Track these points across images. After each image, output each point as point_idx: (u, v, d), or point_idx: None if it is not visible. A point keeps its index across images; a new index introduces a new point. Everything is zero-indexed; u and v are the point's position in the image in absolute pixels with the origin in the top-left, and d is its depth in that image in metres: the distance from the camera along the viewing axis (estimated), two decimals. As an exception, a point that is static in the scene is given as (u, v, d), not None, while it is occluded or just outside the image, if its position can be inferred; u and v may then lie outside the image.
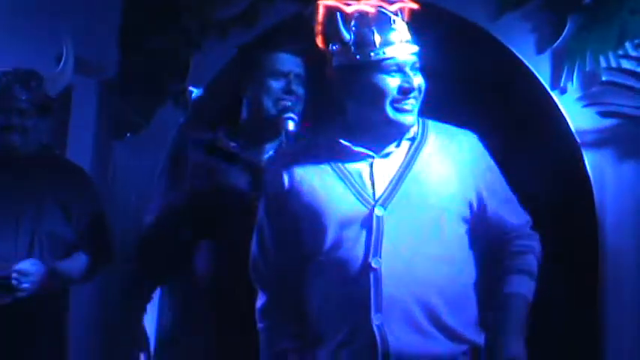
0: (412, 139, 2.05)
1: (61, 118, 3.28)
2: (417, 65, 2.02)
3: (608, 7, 3.00)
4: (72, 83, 3.79)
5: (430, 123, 2.10)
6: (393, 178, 2.01)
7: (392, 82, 1.99)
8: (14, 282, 2.49)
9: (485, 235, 2.04)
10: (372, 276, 1.93)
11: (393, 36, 2.00)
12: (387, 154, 2.03)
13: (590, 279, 3.00)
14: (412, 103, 2.00)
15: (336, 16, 2.02)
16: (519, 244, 2.05)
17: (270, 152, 2.43)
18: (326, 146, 2.07)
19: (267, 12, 3.51)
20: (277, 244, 2.07)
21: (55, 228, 2.65)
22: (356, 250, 1.96)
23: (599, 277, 2.97)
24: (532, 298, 2.01)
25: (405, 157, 2.04)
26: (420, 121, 2.08)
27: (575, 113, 3.06)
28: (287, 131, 2.39)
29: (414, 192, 1.99)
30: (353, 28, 2.01)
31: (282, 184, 2.05)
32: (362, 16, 2.02)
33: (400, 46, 1.99)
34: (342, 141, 2.03)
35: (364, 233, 1.96)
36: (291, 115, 2.40)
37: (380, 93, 1.98)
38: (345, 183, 2.01)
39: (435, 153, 2.04)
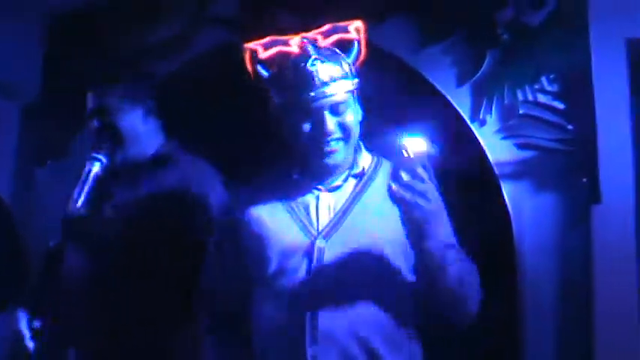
0: (361, 175, 2.05)
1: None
2: (347, 101, 2.02)
3: (525, 43, 3.07)
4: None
5: (384, 159, 2.13)
6: (339, 210, 2.02)
7: (306, 127, 1.99)
8: None
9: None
10: (304, 308, 1.95)
11: (311, 77, 1.98)
12: (335, 188, 2.04)
13: (510, 308, 3.04)
14: (333, 145, 1.99)
15: (254, 58, 2.03)
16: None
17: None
18: (278, 180, 2.10)
19: (195, 41, 3.50)
20: (227, 269, 2.10)
21: None
22: (295, 280, 1.96)
23: (518, 307, 3.01)
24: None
25: (353, 190, 2.05)
26: (374, 156, 2.11)
27: (494, 145, 3.11)
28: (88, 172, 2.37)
29: (359, 225, 2.00)
30: (272, 70, 2.02)
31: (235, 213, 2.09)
32: (282, 57, 2.03)
33: (319, 87, 1.98)
34: (293, 175, 2.06)
35: (305, 263, 1.96)
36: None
37: (298, 137, 1.99)
38: (291, 215, 2.02)
39: (383, 187, 2.02)
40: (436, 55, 3.20)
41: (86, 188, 2.29)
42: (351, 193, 2.04)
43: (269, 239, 2.01)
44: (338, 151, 2.00)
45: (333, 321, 1.93)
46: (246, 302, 2.06)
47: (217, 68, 3.41)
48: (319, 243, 1.97)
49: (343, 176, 2.05)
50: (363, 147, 2.16)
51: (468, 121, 3.14)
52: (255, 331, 2.02)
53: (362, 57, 2.12)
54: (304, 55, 1.99)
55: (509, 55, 3.10)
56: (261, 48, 2.05)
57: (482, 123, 3.13)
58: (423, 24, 3.20)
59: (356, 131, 2.04)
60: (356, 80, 2.06)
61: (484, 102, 3.11)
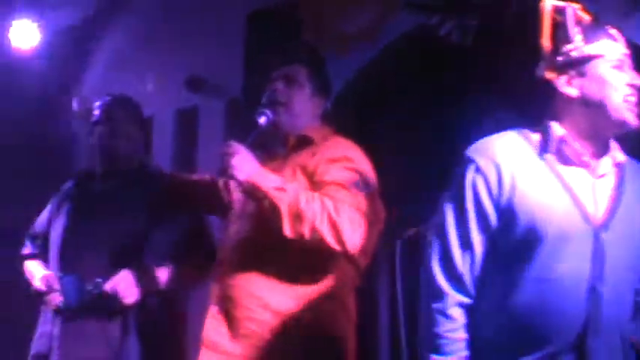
0: (621, 164, 1.95)
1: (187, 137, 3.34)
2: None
3: None
4: (197, 104, 3.92)
5: None
6: (610, 199, 1.91)
7: (622, 77, 1.90)
8: (110, 297, 2.54)
9: None
10: (591, 298, 1.84)
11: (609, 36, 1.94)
12: (603, 175, 1.93)
13: None
14: (635, 101, 1.90)
15: (566, 14, 1.93)
16: None
17: None
18: (550, 148, 1.91)
19: (389, 25, 3.48)
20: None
21: (157, 233, 2.69)
22: (579, 269, 1.84)
23: None
24: None
25: (616, 179, 1.94)
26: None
27: None
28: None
29: (626, 216, 1.90)
30: (580, 26, 1.94)
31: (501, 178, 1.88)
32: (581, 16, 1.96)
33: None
34: (575, 146, 1.91)
35: (588, 253, 1.85)
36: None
37: (611, 86, 1.89)
38: (569, 196, 1.88)
39: (633, 180, 1.95)
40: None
41: (251, 135, 2.37)
42: (615, 182, 1.93)
43: (544, 218, 1.84)
44: (635, 110, 1.90)
45: (608, 314, 1.84)
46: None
47: (415, 52, 3.37)
48: (602, 233, 1.86)
49: (609, 164, 1.94)
50: None
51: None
52: (512, 316, 1.86)
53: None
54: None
55: None
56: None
57: None
58: None
59: None
60: None
61: None
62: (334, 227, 2.14)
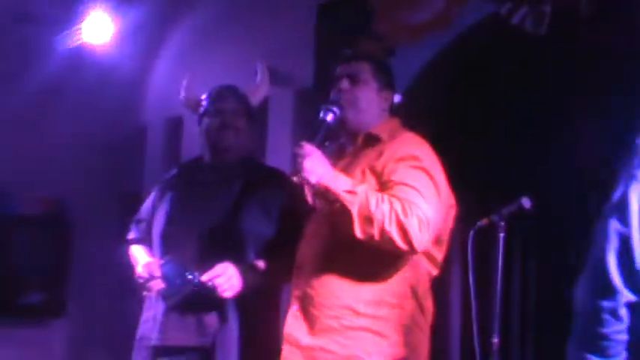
0: None
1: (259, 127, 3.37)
2: None
3: None
4: (268, 95, 3.94)
5: None
6: None
7: None
8: (209, 289, 2.55)
9: None
10: None
11: None
12: None
13: None
14: None
15: None
16: None
17: None
18: None
19: (460, 14, 3.43)
20: None
21: (257, 227, 2.71)
22: None
23: None
24: None
25: None
26: None
27: None
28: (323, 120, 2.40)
29: None
30: None
31: None
32: None
33: None
34: None
35: None
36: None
37: None
38: None
39: None
40: None
41: (319, 133, 2.38)
42: None
43: None
44: None
45: None
46: None
47: (485, 42, 3.32)
48: None
49: None
50: None
51: None
52: None
53: None
54: None
55: None
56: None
57: None
58: None
59: None
60: None
61: None
62: (402, 228, 2.17)
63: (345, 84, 2.45)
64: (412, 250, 2.20)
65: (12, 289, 5.45)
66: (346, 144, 2.50)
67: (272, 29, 4.38)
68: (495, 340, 2.25)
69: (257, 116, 2.98)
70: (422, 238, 2.19)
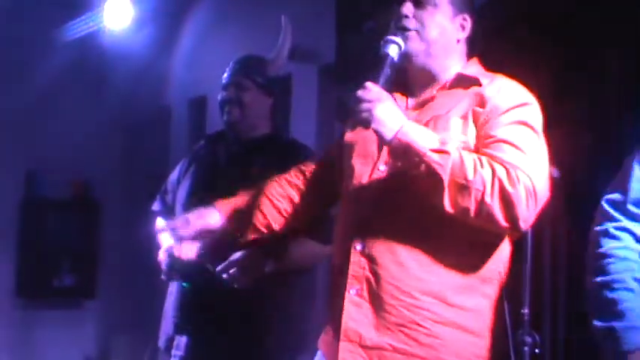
0: None
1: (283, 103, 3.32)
2: None
3: None
4: (291, 71, 3.93)
5: None
6: None
7: None
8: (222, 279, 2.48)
9: None
10: None
11: None
12: None
13: None
14: None
15: None
16: None
17: None
18: None
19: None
20: None
21: None
22: None
23: None
24: None
25: None
26: None
27: None
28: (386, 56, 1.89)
29: None
30: None
31: None
32: None
33: None
34: None
35: None
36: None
37: None
38: None
39: None
40: None
41: (383, 73, 1.85)
42: None
43: None
44: None
45: None
46: None
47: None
48: None
49: None
50: None
51: None
52: None
53: None
54: None
55: None
56: None
57: None
58: None
59: None
60: None
61: None
62: (507, 201, 1.69)
63: (408, 8, 1.90)
64: (515, 228, 1.73)
65: (45, 272, 5.56)
66: (418, 88, 1.97)
67: (293, 4, 4.35)
68: (526, 310, 2.21)
69: (275, 87, 2.84)
70: (528, 215, 1.71)
